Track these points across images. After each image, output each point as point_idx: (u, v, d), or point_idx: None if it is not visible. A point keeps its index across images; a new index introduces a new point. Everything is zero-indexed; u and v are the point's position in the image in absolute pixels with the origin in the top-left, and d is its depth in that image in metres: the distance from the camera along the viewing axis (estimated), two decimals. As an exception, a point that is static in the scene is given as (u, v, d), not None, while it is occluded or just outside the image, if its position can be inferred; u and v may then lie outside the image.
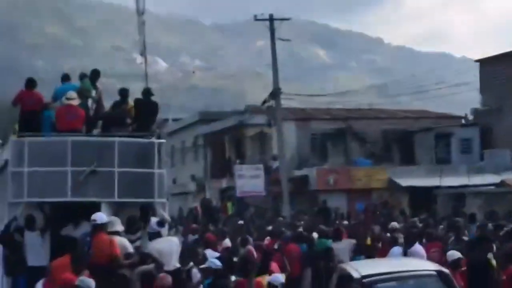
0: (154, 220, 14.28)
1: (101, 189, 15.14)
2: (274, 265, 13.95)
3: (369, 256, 17.44)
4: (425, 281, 11.95)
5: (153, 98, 16.71)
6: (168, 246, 13.41)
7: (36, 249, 15.14)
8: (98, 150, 15.28)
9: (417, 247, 16.99)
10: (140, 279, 10.90)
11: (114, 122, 16.08)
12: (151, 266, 12.30)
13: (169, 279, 11.13)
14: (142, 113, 16.29)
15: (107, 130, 16.02)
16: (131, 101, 16.79)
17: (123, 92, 16.79)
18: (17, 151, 15.19)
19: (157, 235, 13.91)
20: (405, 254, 15.93)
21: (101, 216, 13.68)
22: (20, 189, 15.04)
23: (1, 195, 17.26)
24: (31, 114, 16.11)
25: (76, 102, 15.76)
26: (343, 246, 18.36)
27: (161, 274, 11.48)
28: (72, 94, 15.85)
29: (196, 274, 12.33)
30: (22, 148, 15.09)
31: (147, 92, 16.63)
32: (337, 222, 26.07)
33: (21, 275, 15.06)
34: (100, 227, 13.51)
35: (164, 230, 14.21)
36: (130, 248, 13.73)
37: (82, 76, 17.28)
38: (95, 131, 16.55)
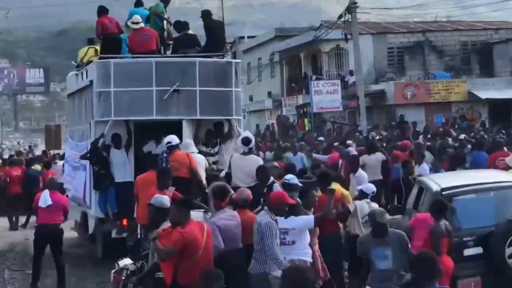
0: (241, 136, 14.48)
1: (184, 107, 15.73)
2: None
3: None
4: (507, 193, 11.80)
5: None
6: (250, 163, 13.66)
7: (121, 166, 15.75)
8: (180, 70, 15.74)
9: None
10: (213, 194, 11.13)
11: (185, 44, 16.46)
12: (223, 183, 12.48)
13: (248, 192, 11.36)
14: (213, 34, 16.59)
15: (177, 52, 16.44)
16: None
17: (179, 25, 17.01)
18: (103, 72, 15.70)
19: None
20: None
21: (174, 138, 14.09)
22: (107, 108, 15.60)
23: (81, 114, 17.90)
24: (112, 36, 16.63)
25: (141, 25, 16.22)
26: (374, 158, 19.19)
27: (240, 188, 11.72)
28: (138, 18, 16.33)
29: (277, 189, 12.51)
30: (108, 69, 15.60)
31: (208, 14, 16.86)
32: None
33: (108, 189, 15.71)
34: (175, 147, 13.96)
35: (247, 149, 14.34)
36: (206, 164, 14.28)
37: (137, 4, 17.71)
38: (167, 53, 16.99)
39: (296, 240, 10.29)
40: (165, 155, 14.14)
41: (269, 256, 9.64)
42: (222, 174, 14.07)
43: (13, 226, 23.56)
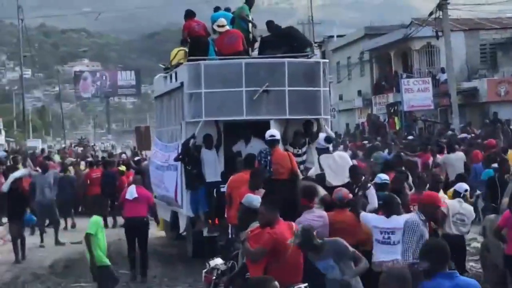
0: (322, 136, 14.69)
1: (273, 107, 15.86)
2: None
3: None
4: None
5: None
6: (340, 161, 13.65)
7: (212, 165, 15.89)
8: (269, 71, 15.85)
9: None
10: (301, 194, 11.12)
11: (270, 45, 16.56)
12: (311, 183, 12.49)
13: (344, 191, 11.31)
14: (293, 37, 16.79)
15: (263, 53, 16.64)
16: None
17: (270, 25, 17.15)
18: (193, 73, 15.90)
19: (326, 150, 14.26)
20: None
21: (277, 132, 14.36)
22: (198, 109, 15.80)
23: (170, 115, 18.12)
24: (199, 39, 16.87)
25: (226, 28, 16.53)
26: (455, 157, 19.54)
27: (337, 188, 11.68)
28: (223, 21, 16.64)
29: (370, 190, 12.45)
30: (199, 71, 15.79)
31: (269, 24, 17.03)
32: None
33: (200, 188, 15.87)
34: (278, 142, 14.17)
35: (331, 146, 14.58)
36: None
37: (216, 9, 18.00)
38: (253, 54, 17.19)
39: (400, 240, 10.05)
40: (268, 157, 14.09)
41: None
42: (312, 172, 14.05)
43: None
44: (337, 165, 13.58)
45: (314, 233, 8.70)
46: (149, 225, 15.87)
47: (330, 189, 12.21)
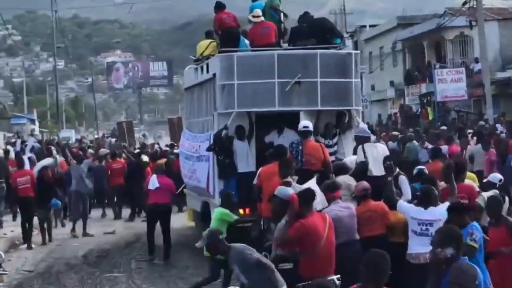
0: (364, 125, 14.70)
1: (305, 99, 15.82)
2: None
3: None
4: None
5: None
6: (381, 152, 13.61)
7: (244, 156, 15.92)
8: (302, 62, 15.84)
9: None
10: (324, 188, 11.15)
11: (301, 35, 16.56)
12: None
13: (365, 183, 11.34)
14: (324, 28, 16.79)
15: (294, 43, 16.61)
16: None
17: (303, 17, 17.18)
18: (226, 65, 15.90)
19: (368, 139, 14.24)
20: None
21: (309, 123, 14.46)
22: (231, 100, 15.80)
23: (201, 107, 18.14)
24: (230, 30, 16.90)
25: (261, 19, 16.55)
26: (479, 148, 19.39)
27: (358, 182, 11.69)
28: (258, 11, 16.64)
29: (403, 180, 12.43)
30: (232, 62, 15.80)
31: (304, 15, 17.08)
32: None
33: (232, 178, 15.93)
34: (310, 133, 14.32)
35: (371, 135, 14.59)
36: None
37: None
38: (284, 45, 17.12)
39: None
40: (300, 147, 14.12)
41: None
42: (352, 160, 13.99)
43: (117, 216, 24.79)
44: (379, 156, 13.57)
45: (221, 237, 8.86)
46: (171, 211, 16.98)
47: (370, 178, 12.21)
